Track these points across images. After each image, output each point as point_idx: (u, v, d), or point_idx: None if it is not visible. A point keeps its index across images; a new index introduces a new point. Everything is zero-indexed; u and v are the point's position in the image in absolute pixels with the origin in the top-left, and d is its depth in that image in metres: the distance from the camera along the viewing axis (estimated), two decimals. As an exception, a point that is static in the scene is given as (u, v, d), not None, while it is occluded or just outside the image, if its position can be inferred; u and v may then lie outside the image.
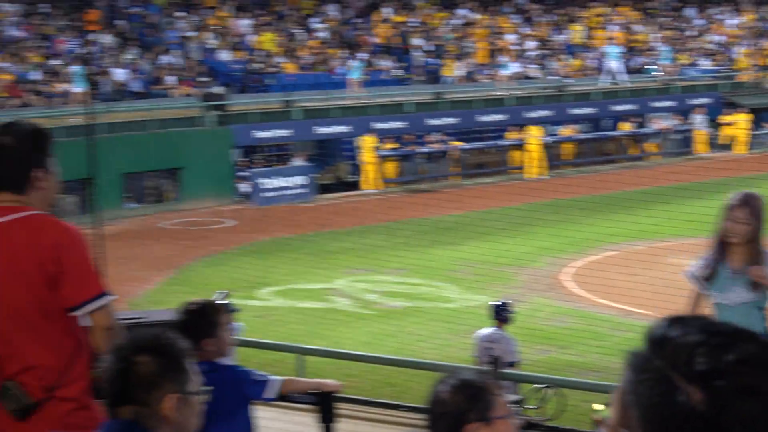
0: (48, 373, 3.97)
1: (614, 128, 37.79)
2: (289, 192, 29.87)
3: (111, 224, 22.68)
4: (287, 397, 5.37)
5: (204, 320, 5.06)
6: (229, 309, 10.88)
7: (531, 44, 43.48)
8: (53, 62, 32.80)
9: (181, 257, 22.50)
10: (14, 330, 3.98)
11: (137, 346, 2.91)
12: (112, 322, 4.05)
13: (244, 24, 38.95)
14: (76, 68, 30.91)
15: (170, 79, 34.37)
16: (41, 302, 3.98)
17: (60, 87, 31.25)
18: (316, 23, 40.95)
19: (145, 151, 28.29)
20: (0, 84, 30.34)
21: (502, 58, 40.31)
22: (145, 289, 19.14)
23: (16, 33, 33.90)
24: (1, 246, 3.99)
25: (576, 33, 45.75)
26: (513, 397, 9.19)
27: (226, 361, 5.24)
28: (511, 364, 10.44)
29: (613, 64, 39.62)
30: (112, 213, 24.91)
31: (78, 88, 30.15)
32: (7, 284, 3.98)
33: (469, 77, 39.85)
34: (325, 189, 31.25)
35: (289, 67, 37.38)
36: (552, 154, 34.52)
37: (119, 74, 33.35)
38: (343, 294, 18.96)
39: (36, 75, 31.69)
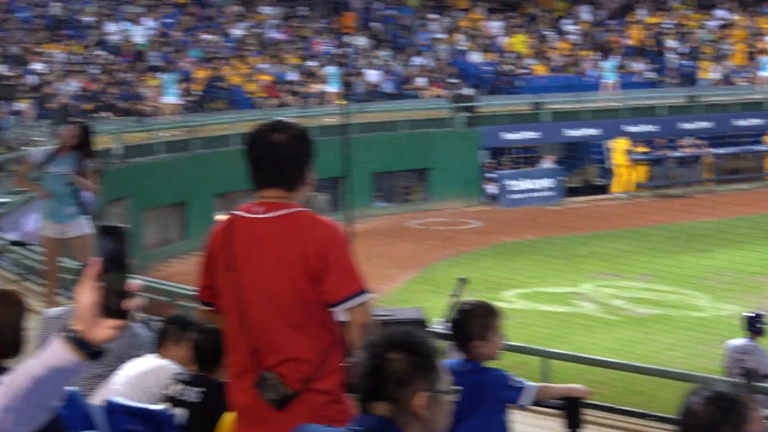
0: (306, 365, 4.05)
1: None
2: (536, 194, 29.74)
3: (361, 222, 23.22)
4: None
5: (476, 322, 5.04)
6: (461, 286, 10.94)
7: (793, 45, 41.56)
8: (310, 63, 33.85)
9: (427, 256, 22.79)
10: (275, 322, 4.08)
11: (390, 344, 2.91)
12: (369, 320, 4.09)
13: (495, 26, 39.03)
14: (331, 69, 31.74)
15: (421, 81, 34.85)
16: (303, 296, 4.06)
17: (316, 88, 32.23)
18: (568, 25, 40.57)
19: (395, 152, 28.80)
20: (259, 84, 31.58)
21: (763, 59, 38.71)
22: (391, 287, 19.48)
23: (275, 35, 35.20)
24: (271, 240, 4.09)
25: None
26: None
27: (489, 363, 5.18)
28: (766, 377, 10.03)
29: None
30: (363, 211, 25.46)
31: (333, 88, 30.98)
32: (273, 277, 4.07)
33: (726, 80, 38.48)
34: (572, 192, 30.93)
35: (540, 69, 37.18)
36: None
37: (372, 75, 34.05)
38: (588, 299, 18.72)
39: (293, 76, 32.78)
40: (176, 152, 25.87)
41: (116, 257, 2.24)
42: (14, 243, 14.58)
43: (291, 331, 4.08)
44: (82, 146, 10.03)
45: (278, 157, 4.15)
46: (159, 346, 5.90)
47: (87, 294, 2.25)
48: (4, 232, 15.60)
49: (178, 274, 20.96)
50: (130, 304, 2.25)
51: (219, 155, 26.27)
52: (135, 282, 2.25)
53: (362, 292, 4.10)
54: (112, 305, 2.24)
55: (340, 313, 4.11)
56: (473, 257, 22.49)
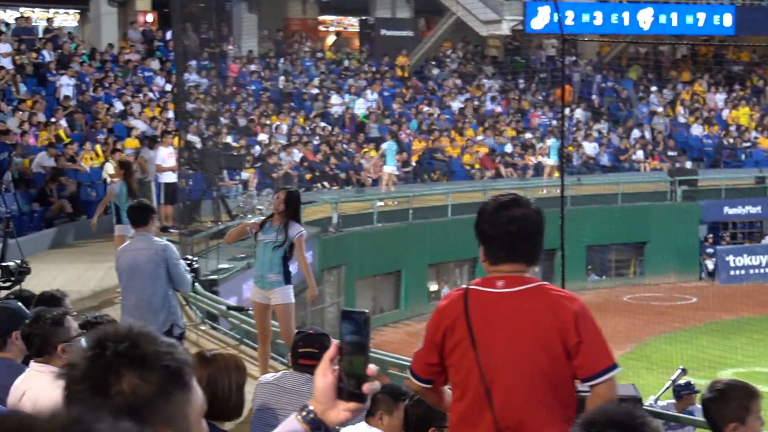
0: None
1: None
2: (756, 271, 28.73)
3: (573, 295, 22.92)
4: None
5: (734, 403, 4.71)
6: (691, 389, 10.70)
7: None
8: (527, 136, 33.93)
9: (641, 332, 22.34)
10: (525, 400, 4.01)
11: (611, 422, 2.82)
12: (614, 395, 4.02)
13: (718, 98, 38.16)
14: (548, 142, 31.71)
15: (639, 154, 34.37)
16: (558, 372, 4.02)
17: (532, 159, 32.25)
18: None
19: (610, 224, 28.43)
20: (476, 156, 31.86)
21: None
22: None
23: (493, 107, 35.49)
24: (520, 315, 4.03)
25: None
26: None
27: None
28: None
29: None
30: (576, 285, 25.19)
31: (549, 161, 30.91)
32: (526, 353, 4.01)
33: None
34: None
35: (764, 143, 36.04)
36: None
37: (589, 148, 33.83)
38: (811, 382, 17.88)
39: (510, 148, 32.91)
40: (392, 222, 26.30)
41: (357, 341, 2.26)
42: (232, 308, 14.88)
43: (541, 408, 4.02)
44: (291, 213, 10.17)
45: (522, 232, 4.12)
46: (370, 414, 5.90)
47: (325, 376, 2.26)
48: (223, 297, 16.13)
49: (390, 343, 21.27)
50: (369, 388, 2.24)
51: (433, 226, 26.59)
52: (373, 367, 2.25)
53: (614, 366, 4.06)
54: (350, 388, 2.24)
55: (582, 388, 4.09)
56: (689, 334, 21.87)
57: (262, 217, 10.56)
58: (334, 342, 2.29)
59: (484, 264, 4.19)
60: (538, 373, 3.99)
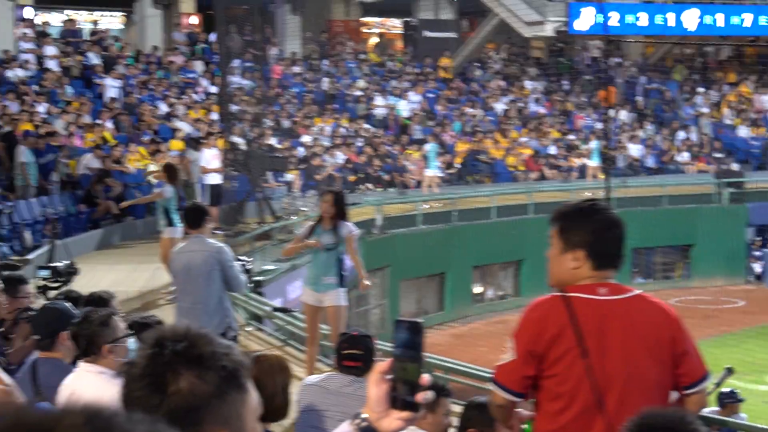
0: None
1: None
2: (805, 274, 28.39)
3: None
4: None
5: None
6: (734, 397, 10.54)
7: None
8: (571, 137, 33.74)
9: (688, 336, 22.07)
10: (636, 411, 3.79)
11: (665, 426, 2.88)
12: (705, 404, 4.05)
13: (765, 100, 37.74)
14: (592, 143, 31.52)
15: (684, 155, 34.07)
16: (666, 380, 4.02)
17: (576, 162, 32.07)
18: None
19: (655, 227, 28.20)
20: (520, 158, 31.72)
21: None
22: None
23: (537, 109, 35.32)
24: (633, 323, 3.99)
25: None
26: None
27: None
28: None
29: None
30: (621, 287, 24.96)
31: (593, 163, 30.73)
32: (641, 362, 3.98)
33: None
34: None
35: (812, 144, 35.59)
36: None
37: (634, 150, 33.58)
38: None
39: (554, 149, 32.74)
40: (436, 224, 26.24)
41: (411, 349, 2.25)
42: (278, 309, 14.90)
43: None
44: (339, 213, 10.15)
45: (621, 238, 4.11)
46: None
47: (379, 384, 2.25)
48: (269, 298, 16.13)
49: (435, 345, 21.18)
50: (423, 397, 2.24)
51: (477, 228, 26.48)
52: (426, 376, 2.24)
53: (708, 373, 4.09)
54: (404, 397, 2.23)
55: (674, 396, 4.07)
56: (736, 338, 21.67)
57: (311, 223, 10.48)
58: (388, 358, 2.28)
59: (574, 270, 4.06)
60: (649, 382, 3.98)
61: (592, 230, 4.06)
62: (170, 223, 15.09)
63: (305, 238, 10.27)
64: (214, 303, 9.24)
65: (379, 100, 32.80)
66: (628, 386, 3.94)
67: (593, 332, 3.95)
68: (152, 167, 22.70)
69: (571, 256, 4.06)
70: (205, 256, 9.21)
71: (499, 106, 34.59)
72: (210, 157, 22.32)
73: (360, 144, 29.87)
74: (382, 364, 2.27)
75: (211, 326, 8.81)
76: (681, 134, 35.20)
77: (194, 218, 9.48)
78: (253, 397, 2.10)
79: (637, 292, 4.06)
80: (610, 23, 31.22)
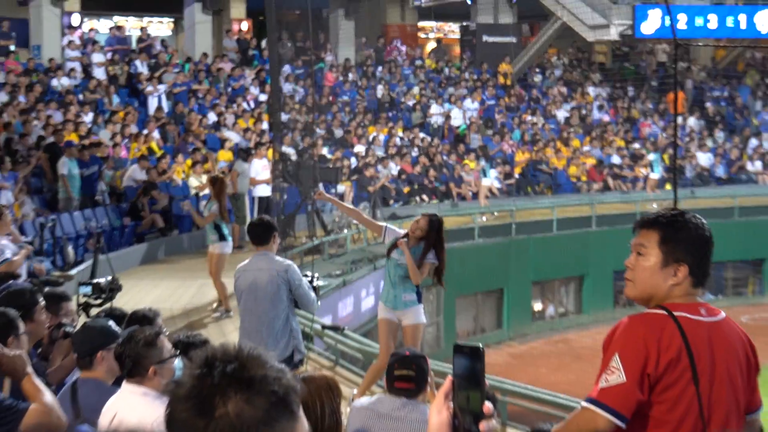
0: None
1: None
2: None
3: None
4: None
5: None
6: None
7: None
8: (635, 146, 32.58)
9: (760, 355, 20.85)
10: None
11: None
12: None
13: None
14: (651, 156, 30.49)
15: (756, 164, 32.74)
16: (748, 407, 3.95)
17: (642, 171, 30.89)
18: None
19: (726, 240, 26.87)
20: (582, 168, 30.62)
21: None
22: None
23: (601, 116, 34.22)
24: (730, 347, 3.88)
25: None
26: None
27: None
28: None
29: None
30: (690, 304, 23.88)
31: (655, 175, 29.66)
32: (740, 388, 3.89)
33: None
34: None
35: None
36: None
37: (703, 159, 32.38)
38: None
39: (617, 159, 31.62)
40: (493, 237, 25.39)
41: (472, 376, 2.21)
42: (327, 327, 14.55)
43: None
44: (429, 239, 9.93)
45: (711, 253, 3.94)
46: None
47: (440, 412, 2.23)
48: (319, 316, 15.49)
49: (491, 365, 20.22)
50: (486, 426, 2.20)
51: (537, 241, 25.67)
52: (489, 405, 2.19)
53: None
54: (466, 425, 2.21)
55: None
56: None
57: (397, 235, 10.19)
58: (449, 377, 2.23)
59: (673, 286, 3.86)
60: (741, 408, 3.91)
61: (698, 246, 3.89)
62: (221, 238, 14.88)
63: (389, 248, 10.08)
64: (280, 324, 9.01)
65: (435, 108, 31.84)
66: (729, 413, 3.86)
67: (703, 357, 3.81)
68: (193, 180, 22.04)
69: (673, 270, 3.86)
70: (272, 275, 8.95)
71: (561, 114, 33.57)
72: (260, 168, 22.25)
73: (415, 154, 28.89)
74: (443, 388, 2.23)
75: (277, 349, 8.80)
76: (753, 142, 33.95)
77: (261, 234, 9.19)
78: (304, 426, 2.05)
79: (725, 314, 3.96)
80: (678, 26, 30.07)
